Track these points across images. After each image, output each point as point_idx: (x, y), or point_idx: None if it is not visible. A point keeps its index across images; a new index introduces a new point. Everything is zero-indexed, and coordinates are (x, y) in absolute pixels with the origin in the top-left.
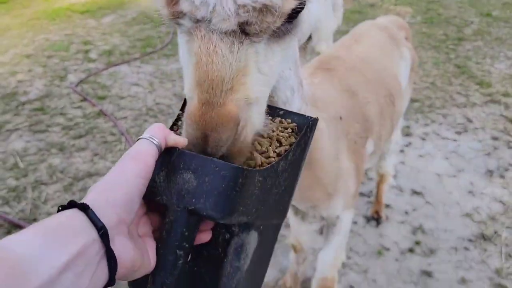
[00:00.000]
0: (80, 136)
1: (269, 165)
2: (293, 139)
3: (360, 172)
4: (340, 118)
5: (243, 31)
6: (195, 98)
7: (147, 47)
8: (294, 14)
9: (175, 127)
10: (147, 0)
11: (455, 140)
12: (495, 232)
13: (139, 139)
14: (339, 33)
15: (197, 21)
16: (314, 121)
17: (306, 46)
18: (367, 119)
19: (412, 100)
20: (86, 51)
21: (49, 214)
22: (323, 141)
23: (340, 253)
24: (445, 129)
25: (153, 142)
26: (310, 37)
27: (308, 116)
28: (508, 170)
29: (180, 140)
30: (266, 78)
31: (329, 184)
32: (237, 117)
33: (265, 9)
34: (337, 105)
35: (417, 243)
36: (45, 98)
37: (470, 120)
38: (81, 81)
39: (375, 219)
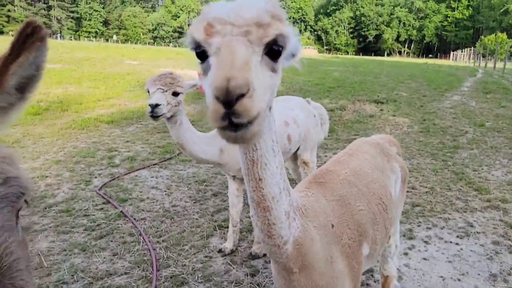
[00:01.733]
0: (101, 237)
1: None
2: None
3: (357, 273)
4: (332, 225)
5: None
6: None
7: (166, 154)
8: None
9: None
10: None
11: (457, 244)
12: None
13: None
14: (340, 141)
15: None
16: None
17: (295, 155)
18: (359, 224)
19: (414, 205)
20: (111, 157)
21: None
22: (316, 247)
23: None
24: (447, 232)
25: None
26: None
27: None
28: (511, 275)
29: None
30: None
31: (326, 287)
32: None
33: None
34: (328, 213)
35: None
36: (70, 200)
37: (471, 225)
38: (105, 185)
39: None
